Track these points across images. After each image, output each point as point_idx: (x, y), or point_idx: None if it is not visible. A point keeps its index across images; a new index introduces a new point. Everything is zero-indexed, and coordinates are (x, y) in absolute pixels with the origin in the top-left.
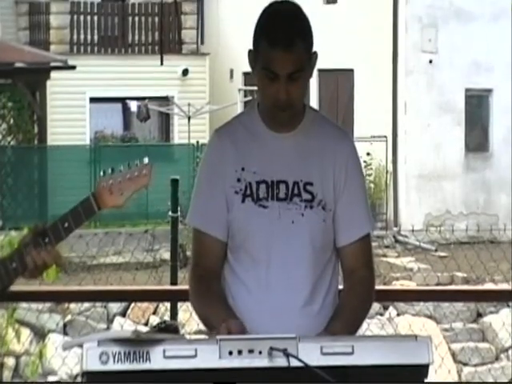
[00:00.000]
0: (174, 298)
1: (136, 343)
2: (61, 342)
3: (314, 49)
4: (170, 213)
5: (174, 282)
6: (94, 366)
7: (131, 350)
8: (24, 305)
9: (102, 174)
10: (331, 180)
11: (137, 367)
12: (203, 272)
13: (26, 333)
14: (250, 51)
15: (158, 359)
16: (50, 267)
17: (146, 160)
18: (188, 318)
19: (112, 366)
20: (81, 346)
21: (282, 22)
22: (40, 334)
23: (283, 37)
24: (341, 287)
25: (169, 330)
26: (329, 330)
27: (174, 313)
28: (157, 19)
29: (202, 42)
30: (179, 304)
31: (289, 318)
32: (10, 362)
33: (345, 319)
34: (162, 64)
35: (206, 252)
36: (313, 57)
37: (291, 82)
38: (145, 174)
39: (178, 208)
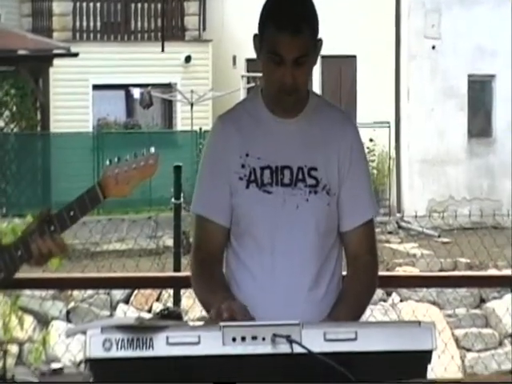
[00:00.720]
0: (177, 284)
1: (139, 330)
2: (64, 329)
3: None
4: (172, 199)
5: (177, 268)
6: (98, 352)
7: (134, 336)
8: (27, 292)
9: (108, 162)
10: (335, 165)
11: (140, 354)
12: (205, 256)
13: (29, 320)
14: (255, 36)
15: (162, 346)
16: (55, 256)
17: (152, 150)
18: (191, 304)
19: (115, 353)
20: (84, 333)
21: (289, 7)
22: (43, 322)
23: (290, 21)
24: (344, 273)
25: (172, 316)
26: (332, 316)
27: (177, 299)
28: (159, 6)
29: (205, 29)
30: (182, 291)
31: (293, 303)
32: (14, 349)
33: (348, 305)
34: (163, 51)
35: (208, 237)
36: (318, 43)
37: (297, 66)
38: (151, 163)
39: (181, 195)
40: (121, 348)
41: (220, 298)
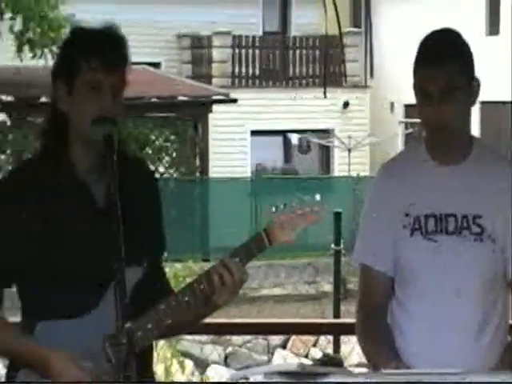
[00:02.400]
0: (337, 331)
1: (302, 376)
2: (222, 374)
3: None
4: (332, 245)
5: (336, 314)
6: None
7: (297, 382)
8: (187, 336)
9: (273, 209)
10: (504, 213)
11: None
12: (371, 306)
13: (189, 364)
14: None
15: None
16: (234, 292)
17: (317, 197)
18: (350, 350)
19: None
20: (247, 378)
21: (438, 43)
22: (202, 366)
23: (436, 53)
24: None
25: (332, 363)
26: (502, 365)
27: (336, 346)
28: (317, 52)
29: (372, 75)
30: (341, 337)
31: (458, 351)
32: None
33: None
34: (325, 97)
35: (373, 287)
36: (474, 83)
37: (444, 100)
38: (316, 210)
39: (341, 241)
40: None
41: (385, 357)
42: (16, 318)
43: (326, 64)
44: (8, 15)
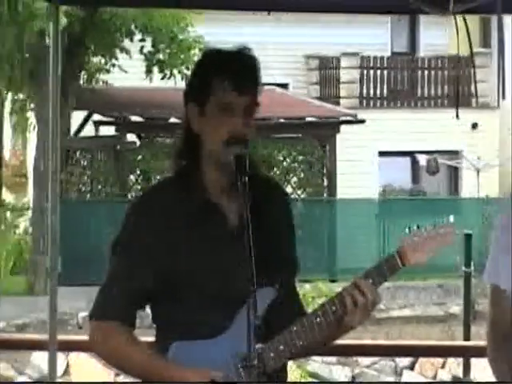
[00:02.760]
0: (467, 353)
1: None
2: None
3: None
4: (463, 267)
5: (466, 337)
6: None
7: None
8: (316, 357)
9: (407, 230)
10: None
11: None
12: (502, 332)
13: None
14: None
15: None
16: (366, 313)
17: (451, 219)
18: (480, 373)
19: None
20: None
21: None
22: None
23: None
24: None
25: None
26: None
27: (466, 368)
28: (446, 72)
29: (504, 97)
30: (472, 360)
31: None
32: None
33: None
34: (457, 118)
35: (505, 309)
36: None
37: None
38: (449, 232)
39: (471, 263)
40: None
41: None
42: (144, 338)
43: (458, 85)
44: (138, 37)
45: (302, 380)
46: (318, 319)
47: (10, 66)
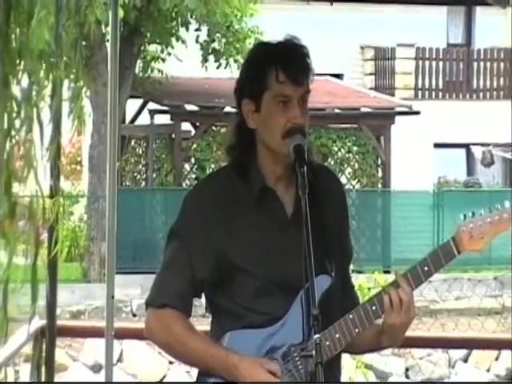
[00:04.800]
0: None
1: None
2: None
3: None
4: None
5: None
6: None
7: None
8: None
9: (462, 217)
10: None
11: None
12: None
13: (372, 376)
14: None
15: None
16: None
17: (507, 204)
18: None
19: None
20: None
21: None
22: (383, 377)
23: None
24: None
25: None
26: None
27: None
28: (502, 64)
29: None
30: None
31: None
32: None
33: None
34: None
35: None
36: None
37: None
38: (506, 218)
39: None
40: None
41: None
42: (198, 327)
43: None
44: (194, 26)
45: (358, 371)
46: (374, 307)
47: (69, 54)
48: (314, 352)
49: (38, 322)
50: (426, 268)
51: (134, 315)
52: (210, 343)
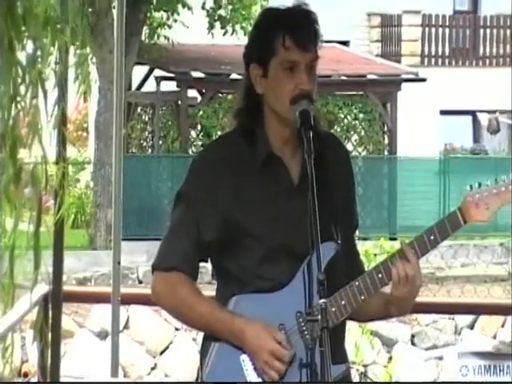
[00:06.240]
0: None
1: (496, 357)
2: (408, 352)
3: None
4: None
5: None
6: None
7: (491, 363)
8: None
9: (468, 188)
10: None
11: (496, 380)
12: None
13: (378, 342)
14: None
15: None
16: (414, 282)
17: None
18: None
19: (472, 378)
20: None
21: None
22: (389, 344)
23: None
24: None
25: None
26: None
27: None
28: (509, 31)
29: None
30: None
31: None
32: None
33: None
34: None
35: None
36: None
37: None
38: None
39: None
40: (478, 373)
41: None
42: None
43: None
44: None
45: (364, 337)
46: (380, 275)
47: (75, 20)
48: (318, 316)
49: (44, 288)
50: (432, 237)
51: (141, 282)
52: (216, 307)
